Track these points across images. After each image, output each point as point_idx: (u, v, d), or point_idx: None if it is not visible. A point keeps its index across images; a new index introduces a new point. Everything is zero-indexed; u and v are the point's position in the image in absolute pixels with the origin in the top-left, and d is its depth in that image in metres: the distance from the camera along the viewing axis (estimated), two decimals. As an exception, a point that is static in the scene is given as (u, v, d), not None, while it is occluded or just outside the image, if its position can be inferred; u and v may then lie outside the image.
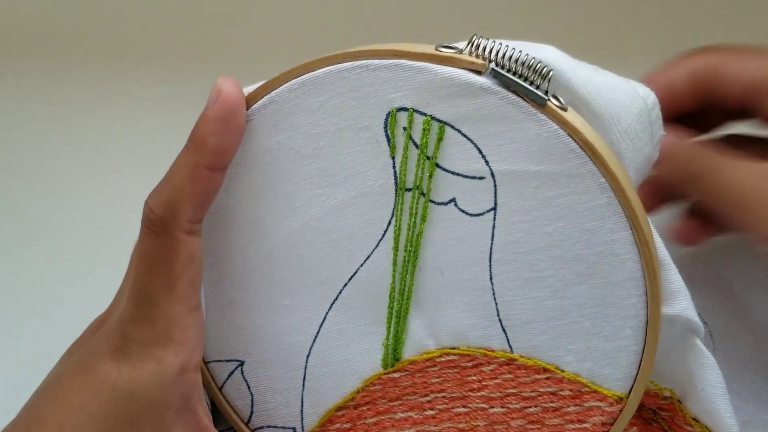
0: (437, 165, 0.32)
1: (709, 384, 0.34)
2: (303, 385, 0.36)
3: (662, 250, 0.32)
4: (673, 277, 0.33)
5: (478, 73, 0.31)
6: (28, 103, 0.52)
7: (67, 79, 0.53)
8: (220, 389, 0.38)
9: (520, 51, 0.31)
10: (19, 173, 0.52)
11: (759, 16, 0.52)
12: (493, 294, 0.33)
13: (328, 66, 0.33)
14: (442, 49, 0.31)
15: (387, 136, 0.33)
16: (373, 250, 0.34)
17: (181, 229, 0.32)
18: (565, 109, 0.31)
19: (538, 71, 0.30)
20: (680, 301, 0.33)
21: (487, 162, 0.32)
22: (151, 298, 0.33)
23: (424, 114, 0.32)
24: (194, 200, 0.32)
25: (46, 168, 0.52)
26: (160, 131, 0.51)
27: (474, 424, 0.35)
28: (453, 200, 0.33)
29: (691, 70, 0.39)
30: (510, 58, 0.31)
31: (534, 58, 0.30)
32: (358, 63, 0.32)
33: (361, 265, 0.34)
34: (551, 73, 0.30)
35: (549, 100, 0.31)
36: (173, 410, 0.33)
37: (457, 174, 0.32)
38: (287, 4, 0.49)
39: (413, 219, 0.33)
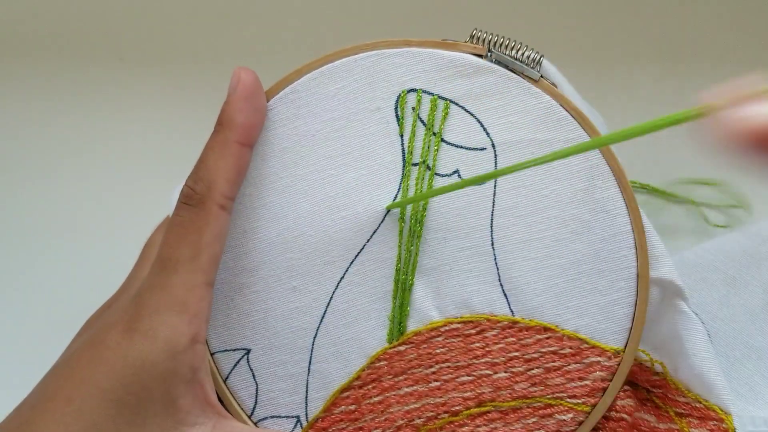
0: (442, 140, 0.36)
1: (697, 348, 0.36)
2: (309, 369, 0.37)
3: (643, 216, 0.36)
4: (656, 243, 0.36)
5: (480, 56, 0.36)
6: (28, 103, 0.53)
7: (67, 79, 0.53)
8: (225, 381, 0.38)
9: (515, 41, 0.36)
10: (19, 173, 0.52)
11: (759, 16, 0.55)
12: (495, 259, 0.36)
13: (345, 57, 0.37)
14: (448, 40, 0.37)
15: (397, 116, 0.36)
16: (380, 224, 0.37)
17: (216, 202, 0.34)
18: (555, 86, 0.36)
19: (531, 56, 0.36)
20: (664, 265, 0.36)
21: (488, 134, 0.36)
22: (174, 265, 0.34)
23: (432, 93, 0.36)
24: (228, 175, 0.35)
25: (46, 168, 0.52)
26: (160, 132, 0.51)
27: (479, 391, 0.36)
28: (456, 171, 0.36)
29: None
30: (506, 46, 0.36)
31: (527, 46, 0.36)
32: (373, 52, 0.37)
33: (368, 241, 0.37)
34: (542, 57, 0.36)
35: (542, 76, 0.35)
36: (183, 381, 0.33)
37: (461, 147, 0.36)
38: (290, 7, 0.51)
39: (419, 191, 0.36)
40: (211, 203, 0.34)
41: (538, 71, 0.36)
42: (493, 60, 0.36)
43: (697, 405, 0.36)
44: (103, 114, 0.53)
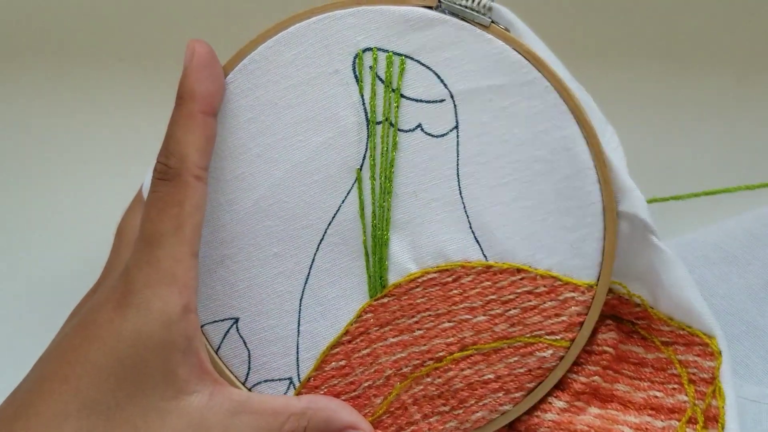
0: (402, 95, 0.37)
1: (676, 278, 0.36)
2: (298, 330, 0.38)
3: (609, 151, 0.36)
4: (624, 178, 0.36)
5: (430, 8, 0.36)
6: (27, 103, 0.54)
7: (67, 79, 0.54)
8: (217, 352, 0.39)
9: None
10: (18, 173, 0.53)
11: (759, 16, 0.55)
12: (464, 207, 0.37)
13: (298, 22, 0.37)
14: None
15: (355, 76, 0.37)
16: (353, 184, 0.37)
17: (191, 173, 0.35)
18: (507, 30, 0.36)
19: (482, 3, 0.36)
20: (629, 198, 0.36)
21: (445, 85, 0.36)
22: (158, 239, 0.34)
23: (386, 51, 0.36)
24: (198, 145, 0.35)
25: (46, 168, 0.53)
26: (160, 131, 0.52)
27: (461, 336, 0.37)
28: (419, 126, 0.37)
29: None
30: None
31: None
32: (325, 15, 0.37)
33: (342, 202, 0.38)
34: (493, 3, 0.35)
35: (493, 22, 0.35)
36: (179, 351, 0.34)
37: (420, 101, 0.37)
38: (290, 8, 0.51)
39: (385, 148, 0.37)
40: (187, 175, 0.35)
41: (489, 16, 0.36)
42: (443, 11, 0.36)
43: (681, 332, 0.37)
44: (103, 114, 0.53)
